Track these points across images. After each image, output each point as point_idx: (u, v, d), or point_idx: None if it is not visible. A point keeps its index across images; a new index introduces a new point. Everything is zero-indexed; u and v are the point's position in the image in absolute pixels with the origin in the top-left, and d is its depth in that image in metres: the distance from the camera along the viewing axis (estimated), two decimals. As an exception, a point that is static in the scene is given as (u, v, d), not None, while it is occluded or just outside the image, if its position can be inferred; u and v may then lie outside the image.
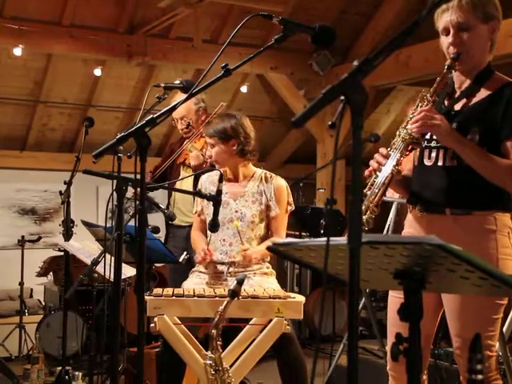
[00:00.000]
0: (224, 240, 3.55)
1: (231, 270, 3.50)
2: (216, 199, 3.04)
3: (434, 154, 2.47)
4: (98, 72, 6.66)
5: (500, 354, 3.57)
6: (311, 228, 5.71)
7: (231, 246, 3.54)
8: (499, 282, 1.33)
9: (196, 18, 6.04)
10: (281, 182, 3.63)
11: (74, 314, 5.07)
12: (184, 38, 6.64)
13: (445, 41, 2.45)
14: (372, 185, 2.43)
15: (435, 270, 1.42)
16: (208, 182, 3.68)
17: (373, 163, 2.45)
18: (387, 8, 6.93)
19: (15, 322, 5.53)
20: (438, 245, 1.27)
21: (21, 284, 5.62)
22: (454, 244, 1.29)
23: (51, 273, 6.04)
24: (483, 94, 2.43)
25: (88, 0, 6.17)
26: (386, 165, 2.42)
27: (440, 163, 2.45)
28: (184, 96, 2.30)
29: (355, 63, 1.35)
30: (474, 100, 2.44)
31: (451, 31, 2.40)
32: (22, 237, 5.72)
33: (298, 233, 6.19)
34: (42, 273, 6.04)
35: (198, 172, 4.07)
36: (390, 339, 2.58)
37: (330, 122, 1.30)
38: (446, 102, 2.54)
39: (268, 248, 1.63)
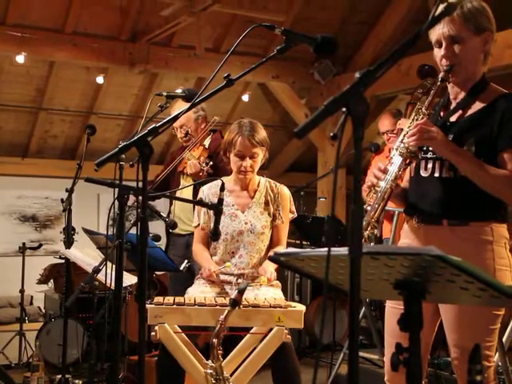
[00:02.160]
0: (233, 252, 3.55)
1: (240, 281, 3.50)
2: (217, 208, 3.05)
3: (430, 165, 2.48)
4: (100, 80, 6.68)
5: (499, 364, 3.57)
6: (312, 237, 5.71)
7: (241, 258, 3.54)
8: (498, 292, 1.33)
9: (198, 26, 6.06)
10: (285, 191, 3.67)
11: (75, 322, 5.06)
12: (186, 46, 6.66)
13: (438, 53, 2.46)
14: (372, 200, 2.44)
15: (435, 280, 1.42)
16: (210, 193, 3.62)
17: (372, 179, 2.47)
18: (388, 17, 6.96)
19: (15, 329, 5.52)
20: (437, 256, 1.28)
21: (21, 291, 5.62)
22: (451, 255, 1.30)
23: (52, 280, 6.04)
24: (478, 105, 2.44)
25: (91, 8, 6.20)
26: (384, 180, 2.44)
27: (436, 174, 2.46)
28: (185, 104, 2.31)
29: (357, 75, 1.36)
30: (469, 112, 2.45)
31: (443, 44, 2.41)
32: (23, 244, 5.72)
33: (298, 241, 6.19)
34: (43, 280, 6.03)
35: (199, 182, 4.07)
36: (388, 350, 2.59)
37: (331, 134, 1.31)
38: (441, 114, 2.55)
39: (269, 258, 1.64)
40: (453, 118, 2.50)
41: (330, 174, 5.64)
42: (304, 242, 6.13)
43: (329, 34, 2.20)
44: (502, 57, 5.07)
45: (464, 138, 2.41)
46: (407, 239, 2.57)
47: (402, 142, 2.45)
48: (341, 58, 7.15)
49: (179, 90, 3.37)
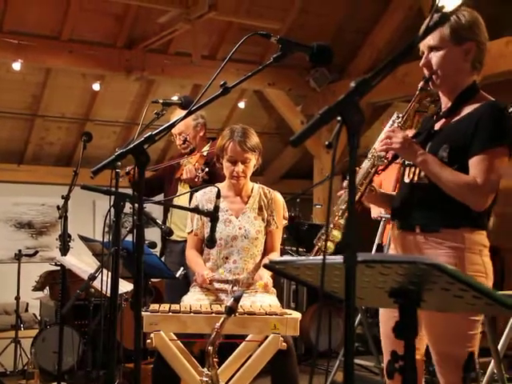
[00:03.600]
0: (227, 258, 3.55)
1: (235, 289, 3.50)
2: (213, 215, 3.05)
3: (412, 172, 2.53)
4: (96, 86, 6.69)
5: (495, 371, 3.58)
6: (308, 244, 5.72)
7: (235, 263, 3.54)
8: (492, 300, 1.34)
9: (194, 33, 6.07)
10: (279, 197, 3.68)
11: (70, 329, 5.05)
12: (182, 53, 6.68)
13: None
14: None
15: (430, 288, 1.43)
16: (204, 199, 3.64)
17: (345, 183, 2.56)
18: (384, 25, 6.98)
19: (11, 336, 5.50)
20: (432, 264, 1.29)
21: (17, 298, 5.61)
22: None
23: (47, 287, 6.03)
24: (462, 113, 2.47)
25: (87, 15, 6.20)
26: None
27: (414, 181, 2.51)
28: (183, 112, 2.31)
29: (352, 84, 1.37)
30: (453, 120, 2.49)
31: (424, 53, 2.48)
32: (19, 251, 5.71)
33: (294, 248, 6.20)
34: (39, 287, 6.02)
35: (195, 188, 4.07)
36: (387, 354, 2.60)
37: (326, 142, 1.32)
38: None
39: (265, 265, 1.64)
40: (437, 126, 2.54)
41: (326, 181, 5.65)
42: (300, 249, 6.14)
43: (324, 41, 2.22)
44: (496, 65, 5.11)
45: (439, 144, 2.45)
46: (392, 245, 2.63)
47: (374, 147, 2.53)
48: (337, 65, 7.16)
49: (175, 98, 3.39)
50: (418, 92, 2.49)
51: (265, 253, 3.64)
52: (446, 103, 2.55)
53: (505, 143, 2.37)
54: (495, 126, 2.36)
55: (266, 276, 3.46)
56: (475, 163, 2.36)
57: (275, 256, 3.58)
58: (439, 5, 1.65)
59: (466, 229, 2.39)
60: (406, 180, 2.55)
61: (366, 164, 2.53)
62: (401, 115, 2.54)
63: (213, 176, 4.26)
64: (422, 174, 2.46)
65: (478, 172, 2.34)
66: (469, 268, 2.37)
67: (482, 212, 2.40)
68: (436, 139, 2.49)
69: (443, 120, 2.53)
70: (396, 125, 2.53)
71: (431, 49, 2.45)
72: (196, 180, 4.28)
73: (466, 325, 2.39)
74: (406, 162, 2.56)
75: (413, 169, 2.52)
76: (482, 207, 2.37)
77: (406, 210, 2.52)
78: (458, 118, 2.47)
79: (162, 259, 4.50)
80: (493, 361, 3.60)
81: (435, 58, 2.44)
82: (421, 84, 2.48)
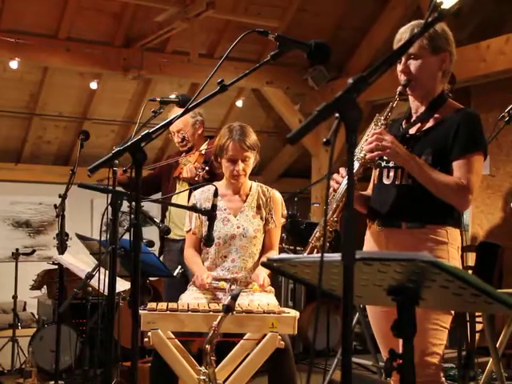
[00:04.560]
0: (225, 256, 3.54)
1: (233, 287, 3.48)
2: (211, 214, 3.04)
3: (392, 174, 2.63)
4: (93, 85, 6.67)
5: (494, 370, 3.58)
6: (306, 243, 5.70)
7: (233, 262, 3.53)
8: (492, 299, 1.33)
9: (192, 32, 6.06)
10: (277, 196, 3.67)
11: (68, 328, 5.03)
12: (180, 52, 6.66)
13: (399, 68, 2.63)
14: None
15: (428, 286, 1.43)
16: (203, 198, 3.63)
17: (332, 183, 2.62)
18: (382, 23, 6.97)
19: (8, 335, 5.49)
20: (430, 261, 1.28)
21: (14, 297, 5.60)
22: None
23: (45, 286, 6.02)
24: (436, 119, 2.60)
25: (84, 13, 6.19)
26: (342, 183, 2.59)
27: (397, 182, 2.61)
28: (181, 111, 2.30)
29: (350, 81, 1.36)
30: (428, 125, 2.61)
31: (402, 60, 2.59)
32: (16, 250, 5.70)
33: (292, 247, 6.19)
34: (36, 286, 6.01)
35: (194, 186, 4.06)
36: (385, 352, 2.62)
37: (324, 139, 1.31)
38: (404, 126, 2.70)
39: (262, 263, 1.64)
40: (412, 131, 2.65)
41: (324, 180, 5.64)
42: (298, 248, 6.12)
43: (323, 39, 2.21)
44: (495, 63, 5.10)
45: (421, 148, 2.56)
46: (371, 244, 2.68)
47: (360, 149, 2.57)
48: (335, 63, 7.16)
49: (173, 96, 3.38)
50: (396, 96, 2.60)
51: (263, 251, 3.63)
52: (416, 108, 2.68)
53: (482, 148, 2.54)
54: (474, 132, 2.53)
55: (262, 275, 3.45)
56: (458, 166, 2.51)
57: (274, 254, 3.58)
58: (437, 0, 1.66)
59: (449, 226, 2.53)
60: (386, 182, 2.64)
61: (355, 165, 2.57)
62: (382, 117, 2.63)
63: (213, 175, 4.26)
64: (406, 175, 2.55)
65: (461, 174, 2.49)
66: (451, 262, 2.45)
67: (461, 213, 2.57)
68: (413, 143, 2.59)
69: (418, 125, 2.64)
70: (379, 127, 2.60)
71: (409, 56, 2.57)
72: (197, 179, 4.28)
73: (435, 317, 2.44)
74: (383, 164, 2.65)
75: (392, 170, 2.61)
76: (466, 206, 2.54)
77: (389, 209, 2.60)
78: (431, 123, 2.60)
79: (161, 258, 4.50)
80: (491, 359, 3.60)
81: (414, 65, 2.57)
82: (399, 89, 2.60)
